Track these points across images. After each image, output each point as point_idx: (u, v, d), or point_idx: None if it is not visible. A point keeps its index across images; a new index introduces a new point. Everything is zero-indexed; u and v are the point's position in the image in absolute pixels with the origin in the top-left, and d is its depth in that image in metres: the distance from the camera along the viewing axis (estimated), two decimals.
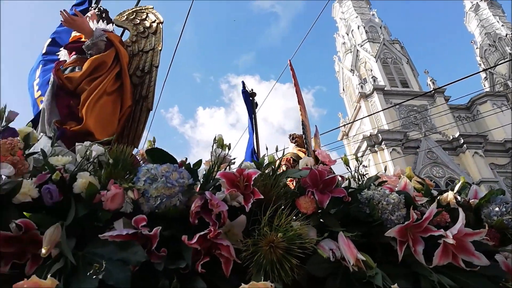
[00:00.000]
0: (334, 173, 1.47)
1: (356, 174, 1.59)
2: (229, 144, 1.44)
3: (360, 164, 1.64)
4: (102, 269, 0.95)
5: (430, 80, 27.44)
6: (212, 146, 1.44)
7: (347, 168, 1.63)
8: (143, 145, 1.57)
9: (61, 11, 2.36)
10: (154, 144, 1.54)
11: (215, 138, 1.44)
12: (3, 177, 1.18)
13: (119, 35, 3.05)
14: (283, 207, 1.23)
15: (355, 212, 1.41)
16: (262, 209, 1.24)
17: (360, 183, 1.56)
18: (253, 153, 5.16)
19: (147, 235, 1.10)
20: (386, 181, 1.62)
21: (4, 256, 1.05)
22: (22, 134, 1.49)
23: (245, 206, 1.22)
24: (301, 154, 4.54)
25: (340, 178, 1.55)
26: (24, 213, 1.09)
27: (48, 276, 0.91)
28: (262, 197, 1.26)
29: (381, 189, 1.42)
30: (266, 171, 1.42)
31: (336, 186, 1.42)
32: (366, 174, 1.61)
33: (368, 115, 24.15)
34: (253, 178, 1.27)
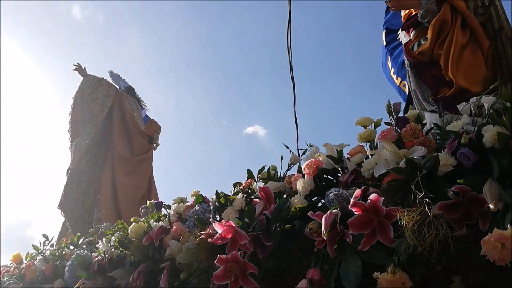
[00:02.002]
0: None
1: None
2: None
3: None
4: None
5: None
6: None
7: None
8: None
9: (385, 1, 2.52)
10: None
11: None
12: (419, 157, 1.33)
13: None
14: None
15: None
16: None
17: None
18: None
19: None
20: None
21: (456, 221, 1.17)
22: (411, 117, 1.65)
23: None
24: None
25: None
26: (458, 180, 1.19)
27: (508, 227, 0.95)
28: None
29: None
30: None
31: None
32: None
33: None
34: None
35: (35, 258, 2.99)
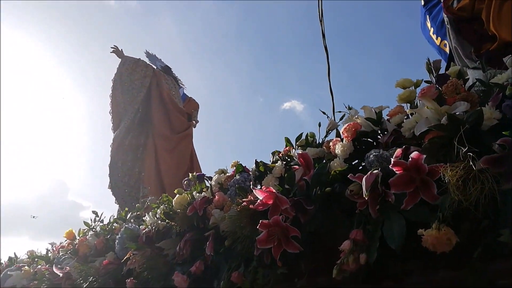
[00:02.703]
0: None
1: None
2: None
3: None
4: None
5: None
6: None
7: None
8: None
9: None
10: None
11: None
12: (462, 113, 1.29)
13: None
14: None
15: None
16: None
17: None
18: None
19: None
20: None
21: (502, 174, 1.13)
22: (453, 73, 1.60)
23: None
24: None
25: None
26: (504, 132, 1.14)
27: None
28: None
29: None
30: None
31: None
32: None
33: None
34: None
35: (87, 233, 3.14)
